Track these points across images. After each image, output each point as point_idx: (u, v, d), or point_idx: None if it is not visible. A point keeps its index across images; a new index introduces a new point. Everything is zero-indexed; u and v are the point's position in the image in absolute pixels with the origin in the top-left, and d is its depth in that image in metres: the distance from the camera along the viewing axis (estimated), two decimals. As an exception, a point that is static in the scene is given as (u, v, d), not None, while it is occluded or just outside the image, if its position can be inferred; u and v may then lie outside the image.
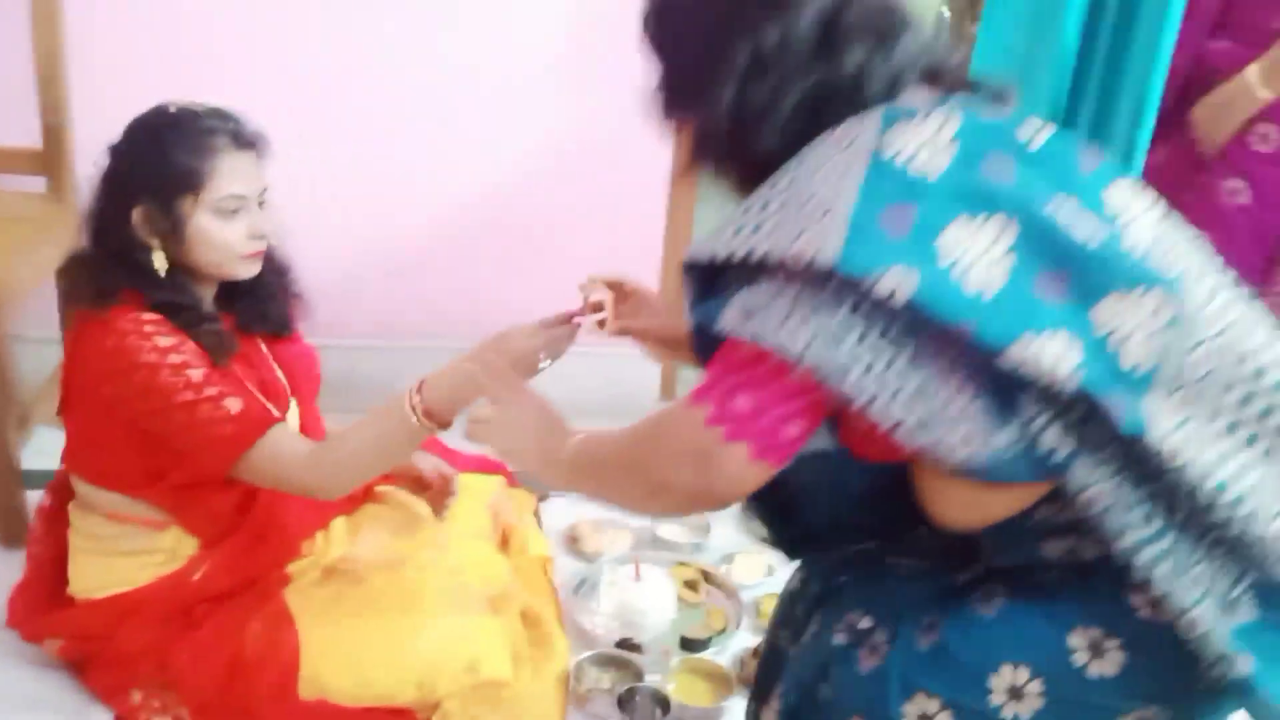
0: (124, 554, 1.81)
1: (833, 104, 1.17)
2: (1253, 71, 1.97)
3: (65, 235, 2.29)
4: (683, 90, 1.24)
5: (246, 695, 1.72)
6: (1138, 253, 1.12)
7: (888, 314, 1.07)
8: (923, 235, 1.07)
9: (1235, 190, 2.03)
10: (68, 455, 1.85)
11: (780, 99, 1.17)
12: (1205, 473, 1.08)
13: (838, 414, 1.16)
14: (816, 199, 1.10)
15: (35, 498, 2.02)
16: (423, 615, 1.79)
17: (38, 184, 2.39)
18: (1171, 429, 1.08)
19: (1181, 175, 2.11)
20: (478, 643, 1.79)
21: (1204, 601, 1.11)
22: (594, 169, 2.72)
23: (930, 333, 1.07)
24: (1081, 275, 1.08)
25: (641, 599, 2.15)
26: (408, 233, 2.73)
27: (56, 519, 1.91)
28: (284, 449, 1.70)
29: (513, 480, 2.28)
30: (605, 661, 2.02)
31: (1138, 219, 1.16)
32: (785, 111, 1.17)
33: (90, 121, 2.13)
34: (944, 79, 1.23)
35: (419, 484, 2.02)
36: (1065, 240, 1.09)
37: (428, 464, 2.03)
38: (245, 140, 1.71)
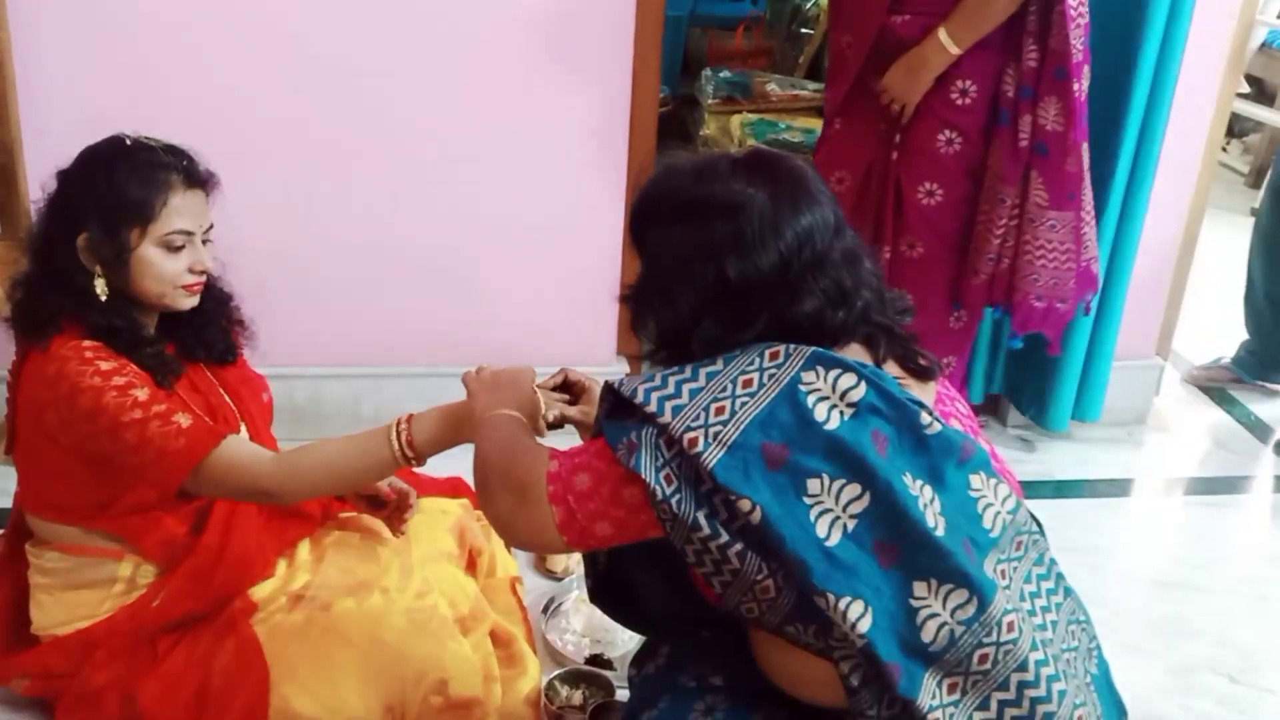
0: (83, 586, 1.81)
1: (781, 337, 1.28)
2: (943, 32, 2.29)
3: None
4: (650, 295, 1.36)
5: (216, 727, 1.71)
6: (989, 533, 1.28)
7: (740, 516, 1.21)
8: (792, 474, 1.21)
9: (949, 140, 2.40)
10: (20, 492, 1.84)
11: (736, 328, 1.29)
12: None
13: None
14: (726, 401, 1.23)
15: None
16: (390, 639, 1.78)
17: (-11, 225, 2.39)
18: (939, 704, 1.24)
19: (885, 135, 2.45)
20: (447, 664, 1.79)
21: None
22: (552, 198, 2.74)
23: (769, 546, 1.21)
24: (912, 552, 1.23)
25: (611, 616, 2.15)
26: (366, 260, 2.73)
27: (14, 559, 1.89)
28: (243, 455, 1.71)
29: (477, 502, 2.28)
30: (576, 678, 2.02)
31: (993, 505, 1.30)
32: (740, 339, 1.29)
33: (42, 162, 2.12)
34: (882, 343, 1.35)
35: (375, 503, 2.02)
36: (911, 520, 1.22)
37: (382, 481, 2.03)
38: (197, 179, 1.73)
